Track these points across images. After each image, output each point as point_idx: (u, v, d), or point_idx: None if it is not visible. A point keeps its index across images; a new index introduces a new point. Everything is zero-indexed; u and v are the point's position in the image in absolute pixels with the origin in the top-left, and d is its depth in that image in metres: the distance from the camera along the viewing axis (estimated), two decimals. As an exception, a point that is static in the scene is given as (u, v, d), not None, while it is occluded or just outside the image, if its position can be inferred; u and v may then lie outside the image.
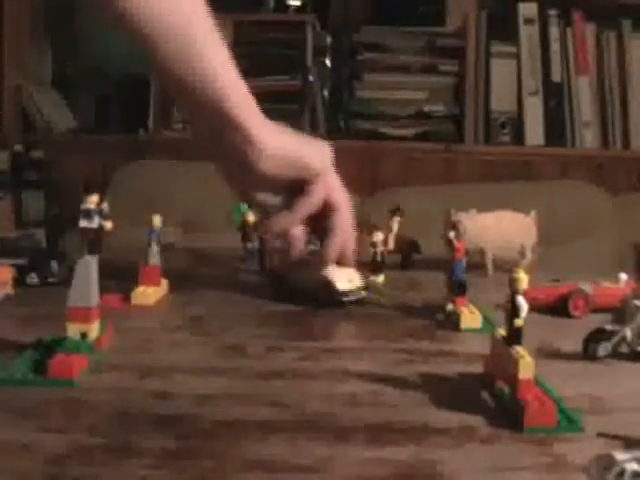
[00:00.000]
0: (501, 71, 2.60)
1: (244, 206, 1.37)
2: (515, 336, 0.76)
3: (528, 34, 2.58)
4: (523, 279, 0.75)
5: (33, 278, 1.22)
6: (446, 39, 2.67)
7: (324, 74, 2.69)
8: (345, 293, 1.16)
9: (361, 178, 2.58)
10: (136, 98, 2.70)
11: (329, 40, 2.71)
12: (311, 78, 2.62)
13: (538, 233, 1.47)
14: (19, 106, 2.67)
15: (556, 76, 2.58)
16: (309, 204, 0.70)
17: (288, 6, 2.71)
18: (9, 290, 1.15)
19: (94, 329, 0.87)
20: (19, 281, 1.19)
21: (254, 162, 0.67)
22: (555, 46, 2.57)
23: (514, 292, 0.75)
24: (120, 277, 1.20)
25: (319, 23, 2.65)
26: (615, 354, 0.92)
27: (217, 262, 1.46)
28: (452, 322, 1.07)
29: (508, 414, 0.73)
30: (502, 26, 2.61)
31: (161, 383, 0.81)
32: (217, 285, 1.28)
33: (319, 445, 0.66)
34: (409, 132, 2.65)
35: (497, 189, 2.41)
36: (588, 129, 2.58)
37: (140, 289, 1.16)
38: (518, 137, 2.60)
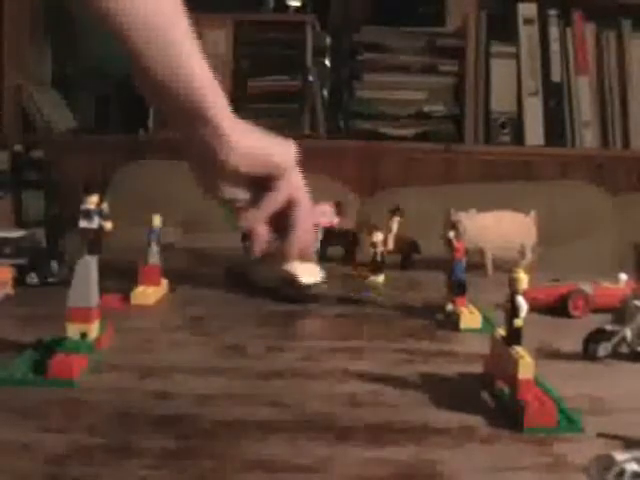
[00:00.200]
0: (501, 71, 2.60)
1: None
2: (515, 336, 0.76)
3: (528, 34, 2.58)
4: (523, 279, 0.75)
5: (33, 278, 1.22)
6: (446, 39, 2.67)
7: (324, 74, 2.69)
8: (307, 287, 1.19)
9: (361, 178, 2.58)
10: (136, 98, 2.68)
11: (329, 40, 2.71)
12: (311, 78, 2.62)
13: (538, 233, 1.47)
14: (19, 106, 2.67)
15: (556, 76, 2.58)
16: (275, 200, 0.73)
17: (288, 6, 2.71)
18: (9, 290, 1.15)
19: (94, 329, 0.87)
20: (19, 281, 1.19)
21: (226, 158, 0.70)
22: (555, 46, 2.57)
23: (514, 292, 0.75)
24: (120, 277, 1.20)
25: (319, 23, 2.65)
26: (615, 354, 0.92)
27: (217, 262, 1.46)
28: (452, 322, 1.07)
29: (508, 414, 0.73)
30: (502, 26, 2.61)
31: (161, 383, 0.81)
32: (217, 285, 1.28)
33: (319, 445, 0.66)
34: (409, 132, 2.65)
35: (497, 189, 2.41)
36: (588, 129, 2.58)
37: (140, 289, 1.16)
38: (518, 137, 2.60)
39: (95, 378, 0.81)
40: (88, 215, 0.87)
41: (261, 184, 0.72)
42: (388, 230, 1.45)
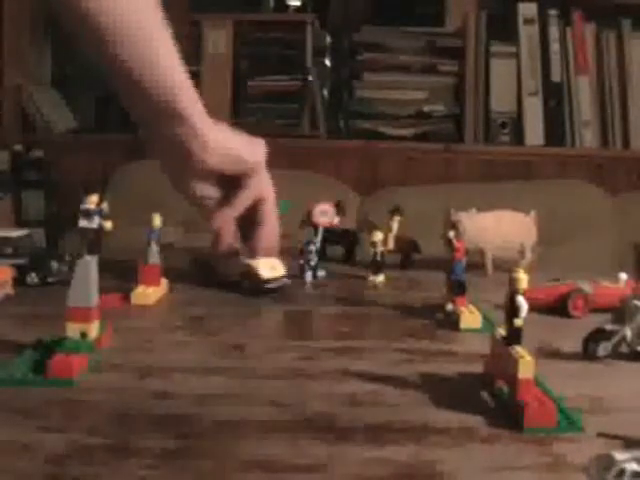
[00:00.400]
0: (501, 71, 2.60)
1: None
2: (515, 336, 0.76)
3: (528, 34, 2.58)
4: (523, 279, 0.75)
5: (33, 278, 1.22)
6: (446, 39, 2.67)
7: (324, 74, 2.69)
8: (268, 281, 1.22)
9: (361, 178, 2.58)
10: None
11: (329, 40, 2.71)
12: (311, 78, 2.61)
13: (538, 233, 1.47)
14: (19, 106, 2.67)
15: (556, 76, 2.58)
16: (247, 199, 0.74)
17: (288, 6, 2.71)
18: (9, 290, 1.15)
19: (94, 329, 0.87)
20: (19, 281, 1.19)
21: (199, 156, 0.71)
22: (555, 46, 2.57)
23: (514, 292, 0.75)
24: (120, 277, 1.20)
25: (319, 23, 2.65)
26: (615, 354, 0.92)
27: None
28: (452, 322, 1.07)
29: (508, 414, 0.73)
30: (502, 26, 2.61)
31: (161, 383, 0.81)
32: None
33: (319, 445, 0.66)
34: (409, 132, 2.65)
35: (497, 189, 2.41)
36: (588, 129, 2.58)
37: (140, 289, 1.16)
38: (518, 137, 2.60)
39: (95, 378, 0.81)
40: (88, 215, 0.87)
41: (230, 182, 0.73)
42: (388, 230, 1.45)
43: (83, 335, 0.85)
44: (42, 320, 1.02)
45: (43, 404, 0.73)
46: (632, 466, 0.52)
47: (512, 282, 0.76)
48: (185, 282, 1.28)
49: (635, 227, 2.35)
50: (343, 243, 1.55)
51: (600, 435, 0.69)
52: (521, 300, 0.75)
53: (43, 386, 0.77)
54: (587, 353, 0.91)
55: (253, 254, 0.76)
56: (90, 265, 0.85)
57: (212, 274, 1.28)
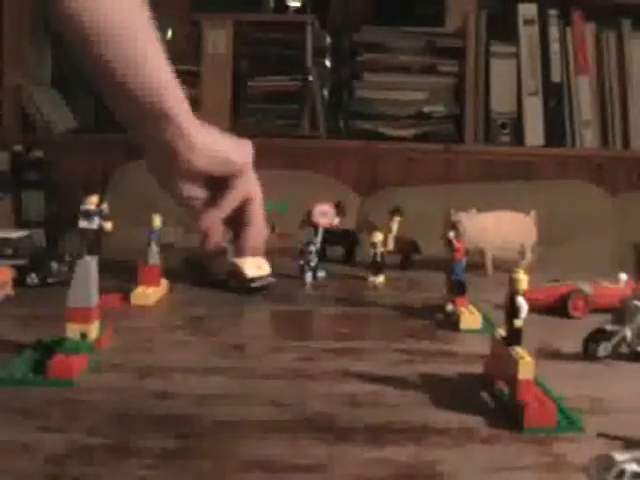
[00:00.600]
0: (501, 71, 2.60)
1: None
2: (515, 336, 0.76)
3: (528, 34, 2.58)
4: (523, 279, 0.75)
5: (33, 278, 1.22)
6: (446, 39, 2.66)
7: (324, 74, 2.69)
8: (253, 279, 1.24)
9: (361, 178, 2.58)
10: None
11: (329, 40, 2.70)
12: (311, 78, 2.61)
13: (538, 233, 1.47)
14: (19, 106, 2.67)
15: (556, 76, 2.58)
16: (234, 199, 0.74)
17: (288, 6, 2.70)
18: (9, 290, 1.15)
19: (94, 329, 0.87)
20: (19, 281, 1.19)
21: (186, 157, 0.71)
22: (555, 46, 2.57)
23: (514, 292, 0.75)
24: (120, 277, 1.20)
25: (319, 23, 2.65)
26: (615, 354, 0.92)
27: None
28: (452, 322, 1.07)
29: (508, 414, 0.73)
30: (502, 26, 2.60)
31: (161, 383, 0.81)
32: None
33: (319, 445, 0.66)
34: (409, 132, 2.64)
35: (497, 189, 2.41)
36: (588, 129, 2.58)
37: (140, 289, 1.16)
38: (518, 137, 2.60)
39: (95, 378, 0.81)
40: (88, 215, 0.87)
41: (218, 182, 0.73)
42: (388, 230, 1.45)
43: (83, 335, 0.85)
44: (42, 321, 1.02)
45: (43, 404, 0.73)
46: (632, 467, 0.52)
47: (512, 282, 0.76)
48: (185, 282, 1.28)
49: (635, 227, 2.34)
50: (343, 244, 1.55)
51: (600, 435, 0.69)
52: (521, 301, 0.75)
53: (43, 386, 0.77)
54: (587, 353, 0.91)
55: (240, 253, 0.77)
56: (90, 265, 0.85)
57: (205, 273, 1.29)
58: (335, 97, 2.71)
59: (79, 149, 2.62)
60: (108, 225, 1.12)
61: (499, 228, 1.44)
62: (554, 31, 2.58)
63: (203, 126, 0.73)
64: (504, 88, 2.60)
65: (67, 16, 0.66)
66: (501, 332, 0.79)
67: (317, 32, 2.65)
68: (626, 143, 2.59)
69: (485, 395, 0.80)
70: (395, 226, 1.48)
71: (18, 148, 2.54)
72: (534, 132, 2.59)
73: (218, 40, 2.61)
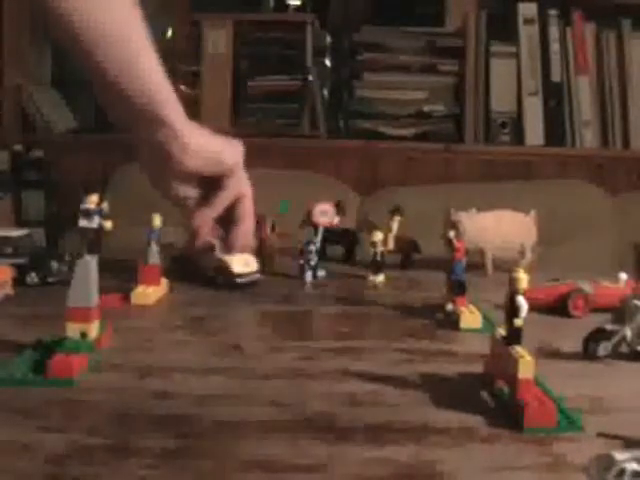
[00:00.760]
0: (501, 71, 2.60)
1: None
2: (515, 336, 0.76)
3: (528, 34, 2.58)
4: (523, 279, 0.75)
5: (33, 278, 1.22)
6: (446, 39, 2.66)
7: (324, 74, 2.69)
8: (240, 275, 1.26)
9: (361, 178, 2.58)
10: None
11: (329, 40, 2.70)
12: (311, 78, 2.61)
13: (538, 233, 1.47)
14: (19, 106, 2.67)
15: (556, 76, 2.58)
16: (226, 198, 0.75)
17: (288, 6, 2.70)
18: (9, 290, 1.15)
19: (94, 329, 0.87)
20: (19, 281, 1.19)
21: (179, 157, 0.72)
22: (555, 46, 2.57)
23: (514, 292, 0.75)
24: (120, 277, 1.20)
25: (319, 23, 2.65)
26: (615, 354, 0.92)
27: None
28: (452, 322, 1.07)
29: (508, 414, 0.73)
30: (502, 26, 2.60)
31: (161, 383, 0.81)
32: (217, 285, 1.27)
33: (319, 445, 0.66)
34: (409, 132, 2.64)
35: (497, 189, 2.41)
36: (588, 129, 2.58)
37: (140, 289, 1.16)
38: (518, 137, 2.60)
39: (95, 378, 0.81)
40: (88, 215, 0.87)
41: (210, 181, 0.74)
42: (388, 230, 1.45)
43: (83, 335, 0.85)
44: (42, 320, 1.02)
45: (43, 404, 0.73)
46: (632, 466, 0.52)
47: (512, 282, 0.75)
48: (185, 282, 1.28)
49: (635, 227, 2.34)
50: (343, 243, 1.56)
51: (600, 435, 0.69)
52: (521, 300, 0.75)
53: (43, 386, 0.77)
54: (587, 353, 0.91)
55: (229, 250, 0.77)
56: (90, 265, 0.85)
57: (196, 270, 1.30)
58: (335, 97, 2.71)
59: (79, 149, 2.62)
60: (108, 224, 1.12)
61: (499, 228, 1.44)
62: (554, 31, 2.57)
63: (195, 127, 0.73)
64: (504, 88, 2.60)
65: (57, 16, 0.66)
66: (501, 331, 0.79)
67: (317, 32, 2.65)
68: (626, 143, 2.59)
69: (485, 395, 0.80)
70: (395, 226, 1.48)
71: (18, 148, 2.54)
72: (534, 132, 2.59)
73: (218, 40, 2.61)
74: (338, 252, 1.54)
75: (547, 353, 0.94)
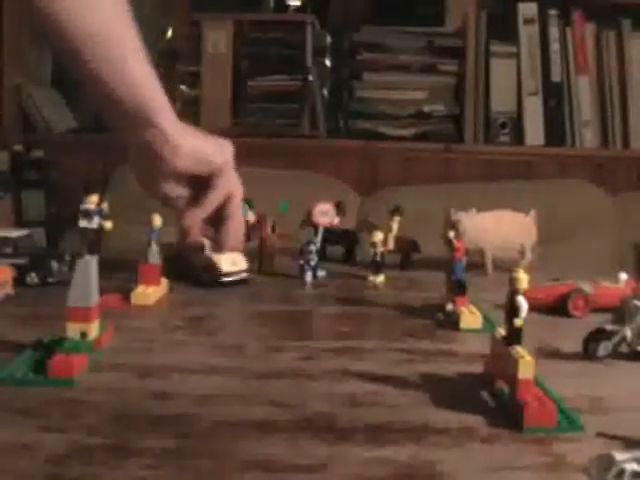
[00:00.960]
0: (501, 71, 2.60)
1: (245, 206, 1.38)
2: (515, 336, 0.76)
3: (528, 34, 2.58)
4: (523, 279, 0.75)
5: (33, 278, 1.22)
6: (446, 39, 2.66)
7: (324, 74, 2.69)
8: (227, 274, 1.27)
9: (361, 178, 2.58)
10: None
11: (329, 40, 2.70)
12: (311, 78, 2.61)
13: (538, 233, 1.47)
14: (19, 106, 2.67)
15: (556, 76, 2.58)
16: (215, 198, 0.75)
17: (288, 6, 2.70)
18: (9, 290, 1.15)
19: (94, 329, 0.87)
20: (19, 281, 1.19)
21: (169, 158, 0.72)
22: (555, 46, 2.57)
23: (514, 292, 0.75)
24: (120, 277, 1.20)
25: (319, 23, 2.65)
26: (615, 354, 0.92)
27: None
28: (452, 322, 1.07)
29: (508, 414, 0.73)
30: (502, 26, 2.60)
31: (160, 383, 0.81)
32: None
33: (319, 445, 0.66)
34: (409, 132, 2.64)
35: (497, 189, 2.41)
36: (588, 129, 2.58)
37: (140, 289, 1.16)
38: (518, 137, 2.60)
39: (95, 378, 0.81)
40: (88, 215, 0.87)
41: (199, 180, 0.74)
42: (388, 230, 1.46)
43: (83, 335, 0.85)
44: (42, 320, 1.02)
45: (43, 404, 0.73)
46: (632, 466, 0.52)
47: (512, 282, 0.75)
48: (185, 282, 1.28)
49: (635, 227, 2.34)
50: (343, 243, 1.56)
51: (600, 435, 0.68)
52: (521, 300, 0.75)
53: (43, 386, 0.77)
54: (587, 353, 0.91)
55: (219, 249, 0.78)
56: (90, 265, 0.85)
57: (187, 268, 1.30)
58: (335, 97, 2.71)
59: (79, 149, 2.62)
60: (108, 224, 1.12)
61: (499, 228, 1.44)
62: (554, 31, 2.57)
63: (185, 127, 0.74)
64: (504, 88, 2.60)
65: (45, 16, 0.66)
66: (501, 331, 0.79)
67: (317, 32, 2.65)
68: (626, 143, 2.59)
69: (485, 395, 0.80)
70: (395, 226, 1.48)
71: (18, 148, 2.54)
72: (534, 132, 2.59)
73: (218, 40, 2.61)
74: (338, 252, 1.54)
75: (547, 353, 0.94)
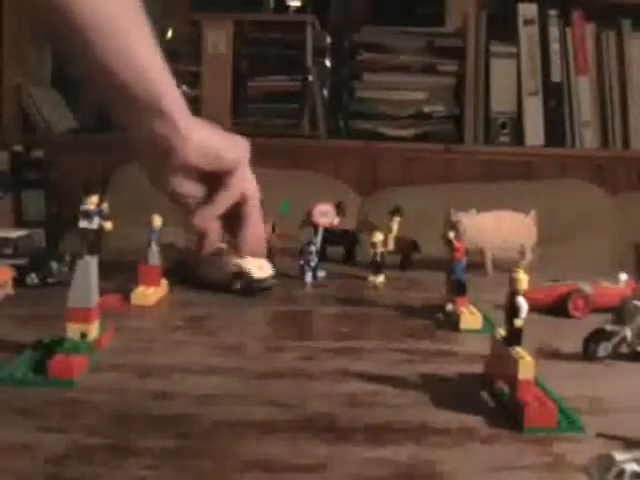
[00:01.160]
0: (501, 71, 2.60)
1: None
2: (515, 336, 0.76)
3: (528, 34, 2.58)
4: (523, 279, 0.75)
5: (33, 278, 1.22)
6: (446, 39, 2.67)
7: (324, 74, 2.69)
8: (260, 281, 1.23)
9: (361, 178, 2.58)
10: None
11: (329, 40, 2.71)
12: (311, 78, 2.61)
13: (538, 233, 1.47)
14: (19, 106, 2.67)
15: (556, 76, 2.58)
16: (229, 197, 0.73)
17: (288, 6, 2.70)
18: (9, 290, 1.15)
19: (94, 329, 0.87)
20: (19, 281, 1.19)
21: (180, 152, 0.70)
22: (555, 46, 2.57)
23: (514, 292, 0.75)
24: (120, 277, 1.20)
25: (319, 23, 2.65)
26: (615, 354, 0.92)
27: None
28: (452, 322, 1.07)
29: (508, 414, 0.73)
30: (502, 26, 2.61)
31: (160, 383, 0.81)
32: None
33: (319, 445, 0.66)
34: (409, 132, 2.65)
35: (497, 189, 2.41)
36: (588, 129, 2.58)
37: (140, 289, 1.16)
38: (518, 137, 2.60)
39: (95, 378, 0.81)
40: (88, 215, 0.87)
41: (211, 178, 0.72)
42: (388, 230, 1.46)
43: (83, 335, 0.85)
44: (42, 320, 1.02)
45: (43, 404, 0.73)
46: (632, 466, 0.52)
47: (512, 282, 0.75)
48: (185, 282, 1.28)
49: (635, 227, 2.34)
50: (343, 243, 1.56)
51: (600, 435, 0.69)
52: (521, 300, 0.75)
53: (43, 386, 0.77)
54: (587, 353, 0.91)
55: (239, 254, 0.76)
56: (90, 265, 0.85)
57: (193, 275, 1.28)
58: (335, 97, 2.71)
59: (79, 149, 2.62)
60: (108, 225, 1.12)
61: (499, 228, 1.44)
62: (554, 31, 2.58)
63: (196, 121, 0.72)
64: (504, 88, 2.61)
65: (54, 7, 0.65)
66: (501, 332, 0.79)
67: (317, 32, 2.65)
68: (626, 143, 2.59)
69: (485, 395, 0.80)
70: (395, 226, 1.48)
71: (18, 148, 2.54)
72: (534, 132, 2.59)
73: (218, 40, 2.61)
74: (338, 253, 1.54)
75: (547, 354, 0.94)
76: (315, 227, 1.45)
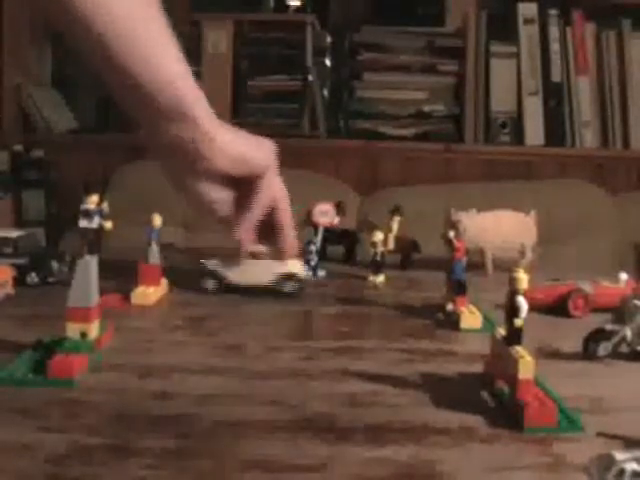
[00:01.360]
0: (501, 71, 2.60)
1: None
2: (515, 336, 0.76)
3: (528, 34, 2.58)
4: (523, 279, 0.75)
5: (33, 278, 1.22)
6: (446, 39, 2.66)
7: (324, 74, 2.69)
8: (303, 280, 1.24)
9: (361, 178, 2.58)
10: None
11: (329, 40, 2.71)
12: (311, 78, 2.61)
13: (538, 233, 1.47)
14: (19, 106, 2.67)
15: (556, 76, 2.58)
16: (261, 202, 0.71)
17: (288, 6, 2.70)
18: (9, 290, 1.15)
19: (94, 329, 0.87)
20: (19, 281, 1.19)
21: (205, 156, 0.68)
22: (555, 46, 2.57)
23: (514, 292, 0.75)
24: (120, 277, 1.20)
25: (319, 23, 2.65)
26: (615, 354, 0.92)
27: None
28: (452, 322, 1.07)
29: (508, 414, 0.73)
30: (502, 26, 2.60)
31: (160, 383, 0.81)
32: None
33: (319, 445, 0.66)
34: (409, 132, 2.64)
35: (497, 189, 2.41)
36: (588, 129, 2.58)
37: (140, 289, 1.16)
38: (518, 137, 2.60)
39: (95, 378, 0.81)
40: (88, 215, 0.87)
41: (235, 184, 0.71)
42: (388, 230, 1.46)
43: (83, 335, 0.85)
44: (42, 320, 1.02)
45: (43, 404, 0.73)
46: (632, 466, 0.52)
47: (512, 282, 0.75)
48: (185, 282, 1.27)
49: (635, 227, 2.34)
50: (343, 243, 1.56)
51: (600, 435, 0.69)
52: (521, 300, 0.75)
53: (43, 386, 0.77)
54: (587, 353, 0.91)
55: (280, 257, 0.75)
56: (90, 265, 0.85)
57: (224, 281, 1.26)
58: (335, 97, 2.71)
59: (79, 149, 2.62)
60: (108, 224, 1.12)
61: (499, 228, 1.44)
62: (554, 31, 2.58)
63: (221, 124, 0.70)
64: (504, 88, 2.60)
65: (72, 9, 0.64)
66: (501, 331, 0.79)
67: (317, 32, 2.65)
68: (626, 143, 2.59)
69: (485, 395, 0.80)
70: (395, 226, 1.48)
71: (18, 148, 2.54)
72: (534, 132, 2.59)
73: (218, 40, 2.61)
74: (338, 252, 1.54)
75: (547, 353, 0.94)
76: (315, 227, 1.45)
